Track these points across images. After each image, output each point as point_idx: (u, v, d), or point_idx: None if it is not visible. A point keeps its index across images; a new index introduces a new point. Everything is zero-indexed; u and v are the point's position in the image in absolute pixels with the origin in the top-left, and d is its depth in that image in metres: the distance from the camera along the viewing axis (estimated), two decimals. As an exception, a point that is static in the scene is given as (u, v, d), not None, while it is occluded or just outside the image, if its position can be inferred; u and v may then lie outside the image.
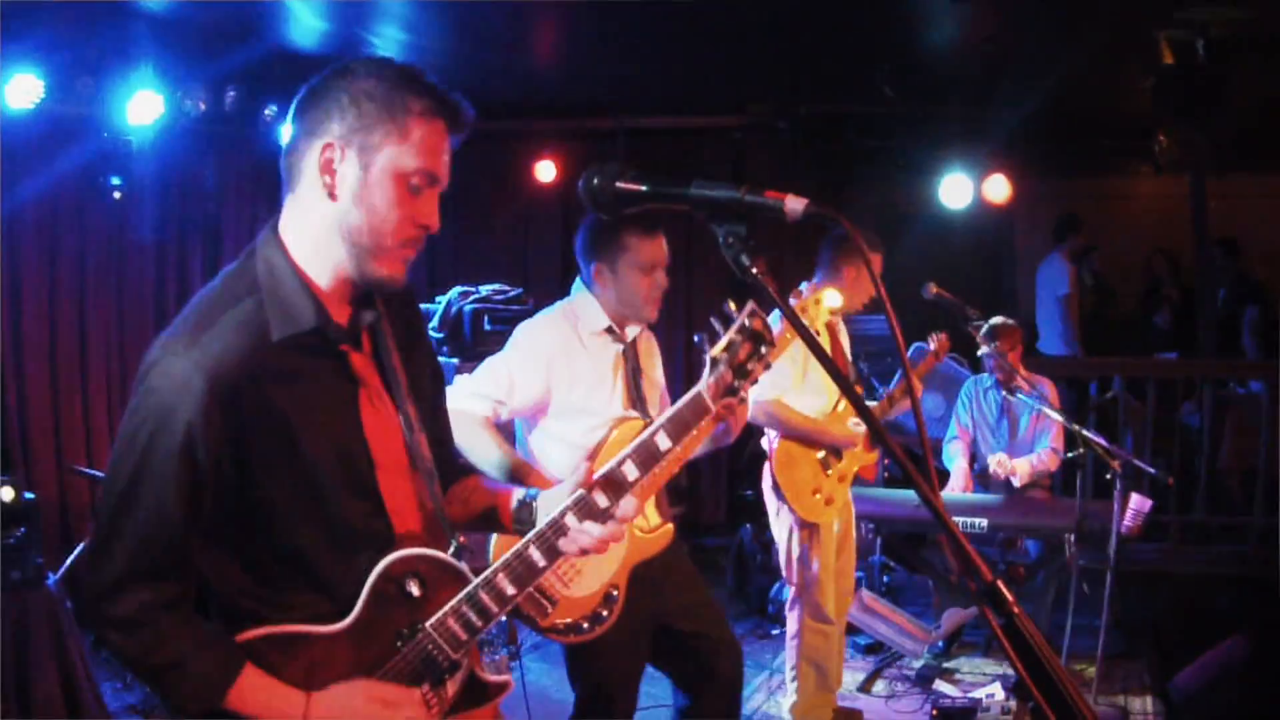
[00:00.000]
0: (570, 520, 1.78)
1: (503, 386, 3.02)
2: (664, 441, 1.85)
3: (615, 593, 2.99)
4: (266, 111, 5.77)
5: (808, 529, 4.10)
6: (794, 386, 4.02)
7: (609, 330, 3.15)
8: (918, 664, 5.04)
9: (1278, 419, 6.37)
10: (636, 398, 3.17)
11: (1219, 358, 7.19)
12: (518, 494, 1.92)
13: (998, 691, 4.47)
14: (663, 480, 3.04)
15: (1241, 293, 8.05)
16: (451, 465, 2.01)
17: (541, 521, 1.80)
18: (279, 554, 1.66)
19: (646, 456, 1.83)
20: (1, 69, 4.73)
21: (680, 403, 1.88)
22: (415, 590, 1.70)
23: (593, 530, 1.78)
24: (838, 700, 4.40)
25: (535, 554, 1.77)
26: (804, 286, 4.06)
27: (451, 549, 1.77)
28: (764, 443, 4.17)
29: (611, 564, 2.99)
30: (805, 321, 3.33)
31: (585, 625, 2.91)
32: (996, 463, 5.25)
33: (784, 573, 4.23)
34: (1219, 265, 8.18)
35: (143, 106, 5.21)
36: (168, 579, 1.61)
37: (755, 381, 1.88)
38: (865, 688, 4.92)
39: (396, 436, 1.77)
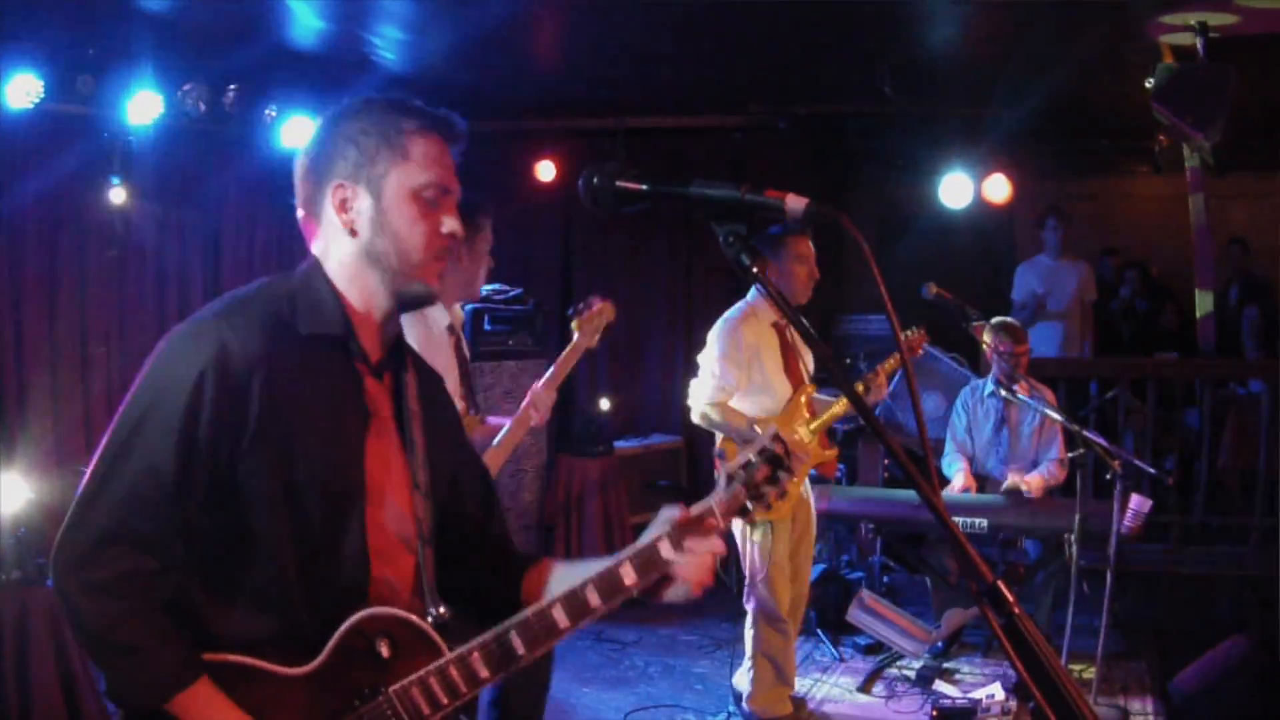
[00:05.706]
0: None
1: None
2: (665, 550, 1.75)
3: None
4: (267, 111, 5.77)
5: (760, 525, 4.18)
6: (740, 388, 4.20)
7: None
8: (917, 664, 5.04)
9: (1278, 419, 6.37)
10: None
11: (1219, 358, 7.18)
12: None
13: (998, 691, 4.47)
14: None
15: (1252, 292, 8.02)
16: (483, 538, 1.91)
17: (547, 597, 1.70)
18: (252, 567, 1.61)
19: (645, 562, 1.74)
20: (1, 69, 4.73)
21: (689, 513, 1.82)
22: (385, 651, 1.63)
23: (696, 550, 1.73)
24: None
25: (515, 640, 1.67)
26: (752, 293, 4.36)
27: (431, 618, 1.71)
28: (717, 439, 4.27)
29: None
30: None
31: None
32: (1020, 480, 5.19)
33: (742, 568, 4.33)
34: (1234, 264, 8.17)
35: (143, 106, 5.21)
36: (149, 550, 1.56)
37: (769, 506, 1.82)
38: (865, 688, 4.92)
39: (399, 488, 1.73)
